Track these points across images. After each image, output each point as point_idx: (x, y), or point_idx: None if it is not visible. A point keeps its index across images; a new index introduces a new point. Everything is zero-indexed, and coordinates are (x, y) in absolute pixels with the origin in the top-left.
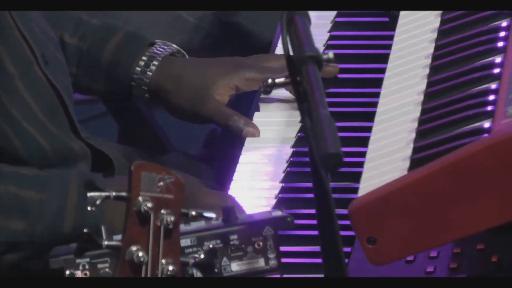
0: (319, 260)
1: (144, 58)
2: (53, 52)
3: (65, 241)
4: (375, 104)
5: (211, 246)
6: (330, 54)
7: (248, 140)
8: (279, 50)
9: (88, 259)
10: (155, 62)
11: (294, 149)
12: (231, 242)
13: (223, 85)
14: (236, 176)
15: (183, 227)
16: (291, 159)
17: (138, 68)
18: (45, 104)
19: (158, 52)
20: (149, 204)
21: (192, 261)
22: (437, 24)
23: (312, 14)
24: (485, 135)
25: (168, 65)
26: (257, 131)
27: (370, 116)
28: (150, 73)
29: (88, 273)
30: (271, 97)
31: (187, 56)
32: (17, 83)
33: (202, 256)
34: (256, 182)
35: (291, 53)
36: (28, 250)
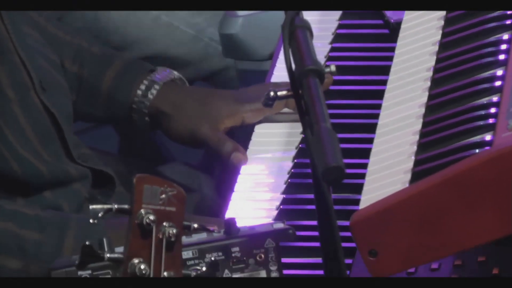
0: (320, 272)
1: (145, 82)
2: (55, 76)
3: None
4: (376, 116)
5: (212, 258)
6: (332, 67)
7: (249, 151)
8: (280, 62)
9: (90, 271)
10: (157, 86)
11: (295, 161)
12: (233, 254)
13: (229, 115)
14: (237, 187)
15: (185, 240)
16: (292, 170)
17: (139, 92)
18: (39, 131)
19: (159, 77)
20: (151, 217)
21: (194, 273)
22: (438, 37)
23: (314, 26)
24: (487, 148)
25: (170, 91)
26: (244, 158)
27: (372, 128)
28: (151, 97)
29: None
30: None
31: (187, 84)
32: (14, 107)
33: (204, 268)
34: (257, 193)
35: (293, 66)
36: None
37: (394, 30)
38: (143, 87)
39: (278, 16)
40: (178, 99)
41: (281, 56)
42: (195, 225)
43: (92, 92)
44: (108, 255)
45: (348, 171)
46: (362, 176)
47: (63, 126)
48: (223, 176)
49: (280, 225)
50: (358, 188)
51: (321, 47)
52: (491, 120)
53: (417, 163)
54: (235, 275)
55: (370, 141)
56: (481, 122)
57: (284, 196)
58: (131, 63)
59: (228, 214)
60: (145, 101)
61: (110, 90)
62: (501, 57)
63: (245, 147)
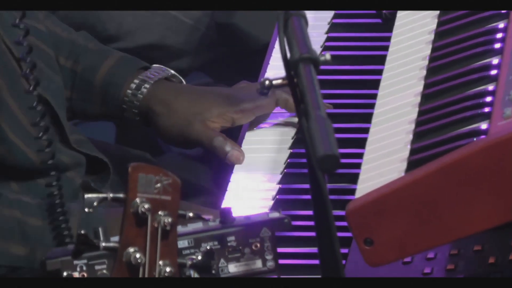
0: (316, 262)
1: (136, 81)
2: (47, 62)
3: None
4: (372, 106)
5: (208, 247)
6: (327, 55)
7: (245, 141)
8: (276, 51)
9: (85, 261)
10: (147, 85)
11: (291, 151)
12: (228, 244)
13: (218, 115)
14: (234, 177)
15: (180, 229)
16: (288, 160)
17: (129, 91)
18: (32, 117)
19: (151, 76)
20: (146, 206)
21: (189, 262)
22: (434, 25)
23: (309, 15)
24: (482, 136)
25: (160, 89)
26: (241, 155)
27: (367, 118)
28: (141, 96)
29: (85, 274)
30: None
31: (183, 82)
32: (5, 94)
33: (199, 257)
34: (253, 183)
35: (287, 54)
36: (28, 275)
37: (386, 20)
38: (133, 85)
39: None
40: (168, 98)
41: (277, 45)
42: (190, 214)
43: (86, 88)
44: (103, 244)
45: (344, 161)
46: (358, 165)
47: (58, 111)
48: (219, 166)
49: (275, 215)
50: (354, 178)
51: (316, 36)
52: (486, 109)
53: (413, 152)
54: (231, 264)
55: (366, 130)
56: (477, 111)
57: (280, 186)
58: (124, 59)
59: (224, 204)
60: (134, 101)
61: (102, 87)
62: (497, 45)
63: (241, 137)
